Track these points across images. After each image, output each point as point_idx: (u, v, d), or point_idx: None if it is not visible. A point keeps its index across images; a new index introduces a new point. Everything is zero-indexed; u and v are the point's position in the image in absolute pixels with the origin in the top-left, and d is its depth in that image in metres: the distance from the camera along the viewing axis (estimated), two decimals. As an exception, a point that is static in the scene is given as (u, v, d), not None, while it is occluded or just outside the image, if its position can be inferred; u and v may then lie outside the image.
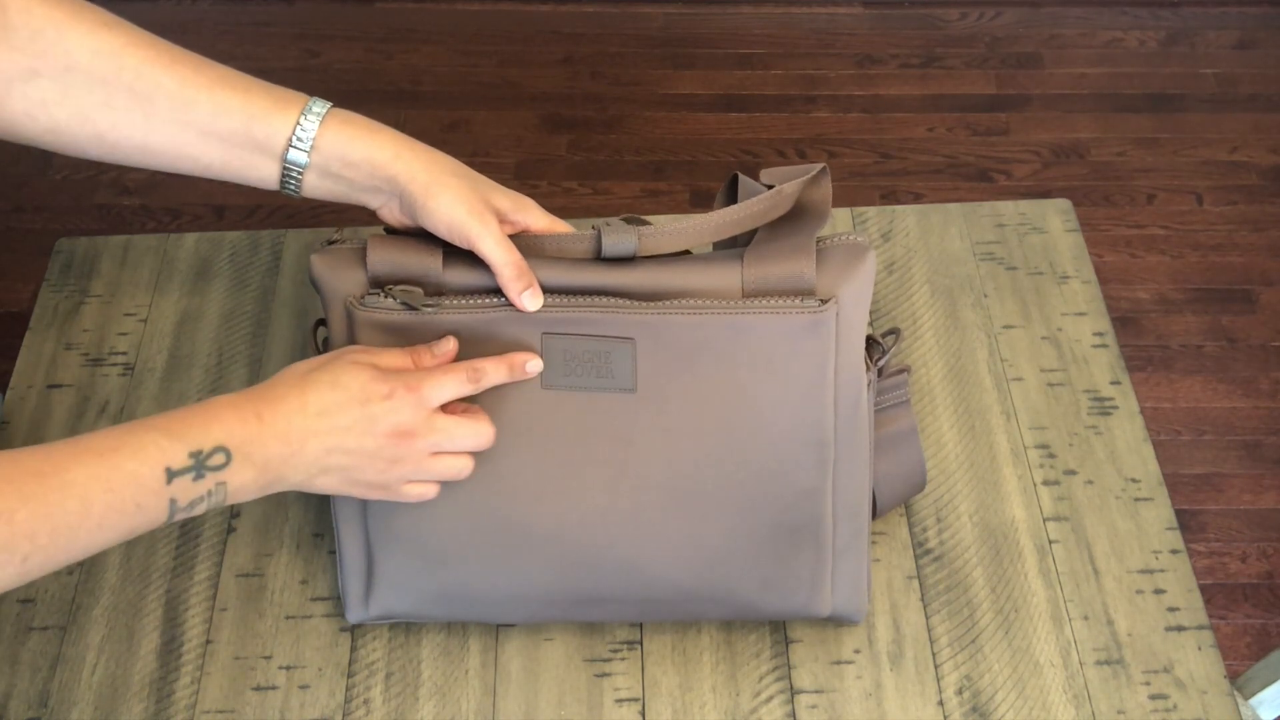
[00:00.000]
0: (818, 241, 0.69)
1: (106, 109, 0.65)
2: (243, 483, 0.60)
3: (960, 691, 0.73)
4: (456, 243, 0.67)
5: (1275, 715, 0.96)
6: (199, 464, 0.58)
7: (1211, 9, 2.18)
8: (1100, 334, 0.89)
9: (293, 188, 0.68)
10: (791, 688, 0.74)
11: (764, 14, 2.18)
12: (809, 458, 0.68)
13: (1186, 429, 1.66)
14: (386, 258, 0.68)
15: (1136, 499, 0.81)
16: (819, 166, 0.71)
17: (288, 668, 0.75)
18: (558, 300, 0.67)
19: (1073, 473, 0.82)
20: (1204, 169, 1.95)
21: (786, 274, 0.67)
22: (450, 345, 0.67)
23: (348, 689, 0.74)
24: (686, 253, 0.71)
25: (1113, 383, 0.87)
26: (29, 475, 0.54)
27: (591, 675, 0.75)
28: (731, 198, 0.72)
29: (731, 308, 0.66)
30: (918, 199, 1.90)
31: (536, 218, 0.70)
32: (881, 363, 0.71)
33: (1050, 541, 0.79)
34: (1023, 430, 0.84)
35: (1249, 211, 1.89)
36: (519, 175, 1.93)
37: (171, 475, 0.57)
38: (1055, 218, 0.96)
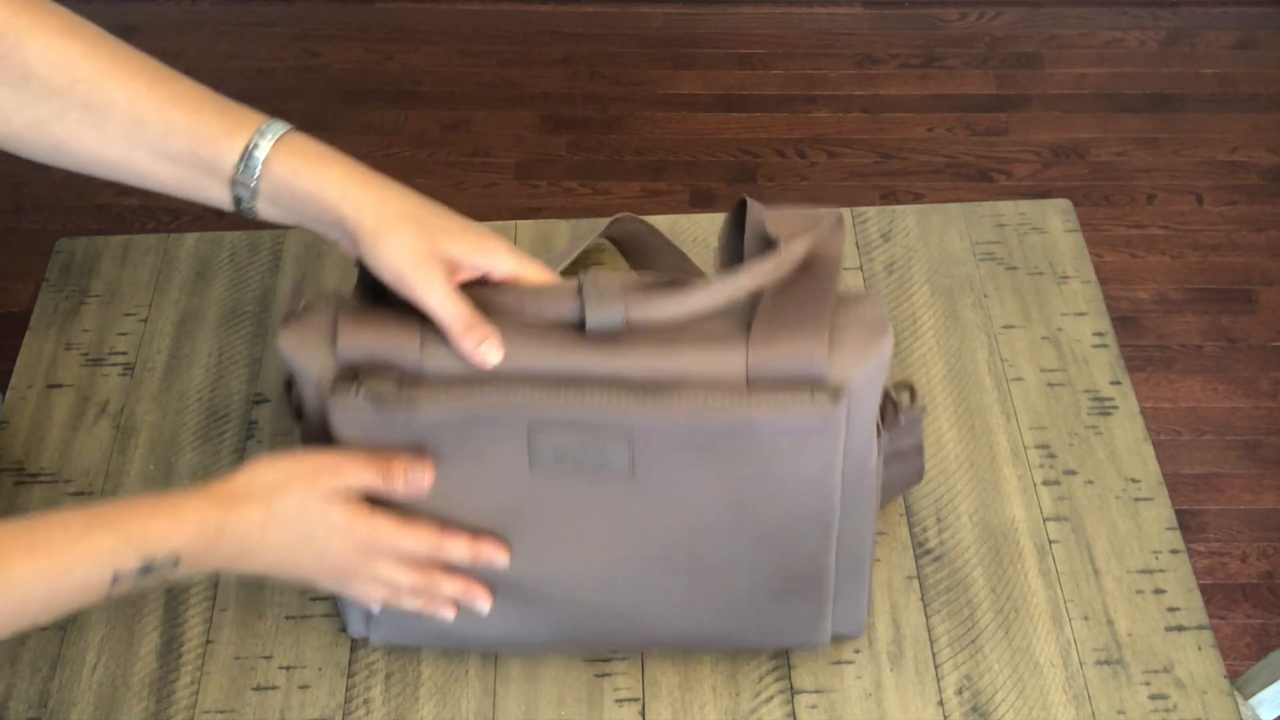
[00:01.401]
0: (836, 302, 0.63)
1: (61, 121, 0.62)
2: (186, 575, 0.61)
3: (960, 691, 0.73)
4: (403, 295, 0.61)
5: (1275, 715, 0.96)
6: (149, 567, 0.58)
7: (1211, 9, 2.18)
8: (1100, 334, 0.89)
9: (246, 212, 0.65)
10: (791, 688, 0.74)
11: (764, 14, 2.18)
12: (813, 528, 0.66)
13: (1186, 429, 1.66)
14: (358, 341, 0.61)
15: (1136, 499, 0.81)
16: (833, 216, 0.65)
17: (288, 668, 0.75)
18: (544, 393, 0.60)
19: (1073, 473, 0.82)
20: (1204, 169, 1.94)
21: (796, 356, 0.60)
22: (425, 480, 0.63)
23: (348, 689, 0.74)
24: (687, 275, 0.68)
25: (1113, 383, 0.87)
26: None
27: (591, 675, 0.75)
28: (737, 224, 0.68)
29: (735, 405, 0.60)
30: (918, 199, 1.90)
31: (502, 260, 0.63)
32: (897, 423, 0.67)
33: (1050, 541, 0.79)
34: (1023, 430, 0.84)
35: (1249, 211, 1.89)
36: (519, 175, 1.93)
37: (118, 579, 0.57)
38: (1055, 218, 0.96)
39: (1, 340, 1.72)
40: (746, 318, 0.62)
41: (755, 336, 0.61)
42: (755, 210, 0.66)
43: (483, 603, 0.67)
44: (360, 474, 0.62)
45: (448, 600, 0.68)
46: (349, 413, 0.61)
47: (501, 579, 0.68)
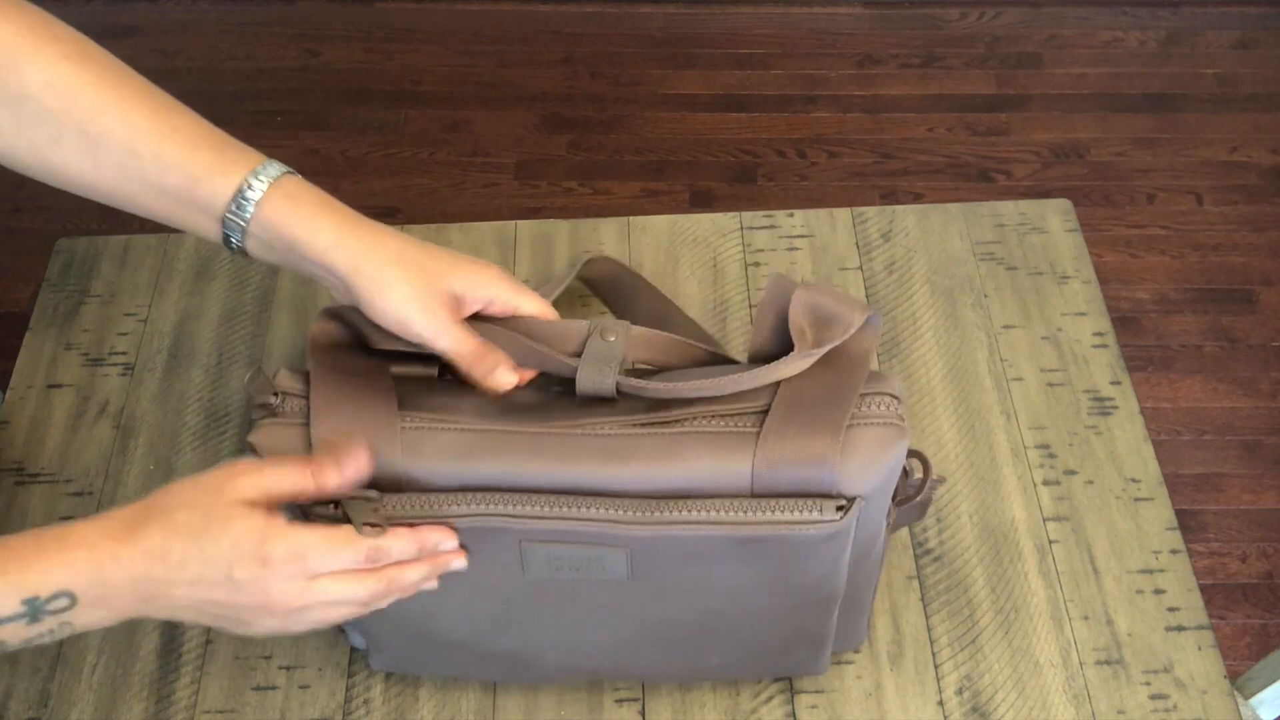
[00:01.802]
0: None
1: (56, 146, 0.61)
2: (93, 620, 0.54)
3: (960, 691, 0.73)
4: (409, 339, 0.61)
5: (1275, 715, 0.96)
6: (35, 610, 0.52)
7: (1211, 9, 2.18)
8: (1100, 334, 0.89)
9: (237, 251, 0.63)
10: (791, 687, 0.74)
11: (764, 14, 2.18)
12: (817, 607, 0.64)
13: (1186, 429, 1.66)
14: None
15: (1136, 499, 0.81)
16: (864, 313, 0.61)
17: (288, 668, 0.75)
18: (537, 507, 0.57)
19: (1073, 473, 0.82)
20: (1204, 169, 1.94)
21: (805, 465, 0.57)
22: (362, 464, 0.57)
23: (348, 689, 0.74)
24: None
25: (1113, 383, 0.87)
26: None
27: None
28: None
29: (738, 519, 0.57)
30: (918, 199, 1.90)
31: (502, 291, 0.63)
32: (910, 500, 0.64)
33: (1050, 541, 0.79)
34: (1023, 430, 0.84)
35: (1249, 211, 1.89)
36: (519, 175, 1.93)
37: None
38: (1055, 218, 0.96)
39: (1, 340, 1.72)
40: (760, 411, 0.58)
41: (765, 440, 0.57)
42: (783, 287, 0.62)
43: (458, 561, 0.60)
44: (281, 477, 0.55)
45: (420, 583, 0.60)
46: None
47: (499, 644, 0.67)
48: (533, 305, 0.65)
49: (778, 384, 0.59)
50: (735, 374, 0.59)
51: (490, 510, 0.58)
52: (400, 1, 2.21)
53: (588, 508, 0.57)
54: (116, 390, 0.88)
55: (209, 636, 0.76)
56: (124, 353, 0.90)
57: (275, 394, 0.61)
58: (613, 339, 0.62)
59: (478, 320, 0.64)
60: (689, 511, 0.57)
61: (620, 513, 0.57)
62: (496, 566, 0.61)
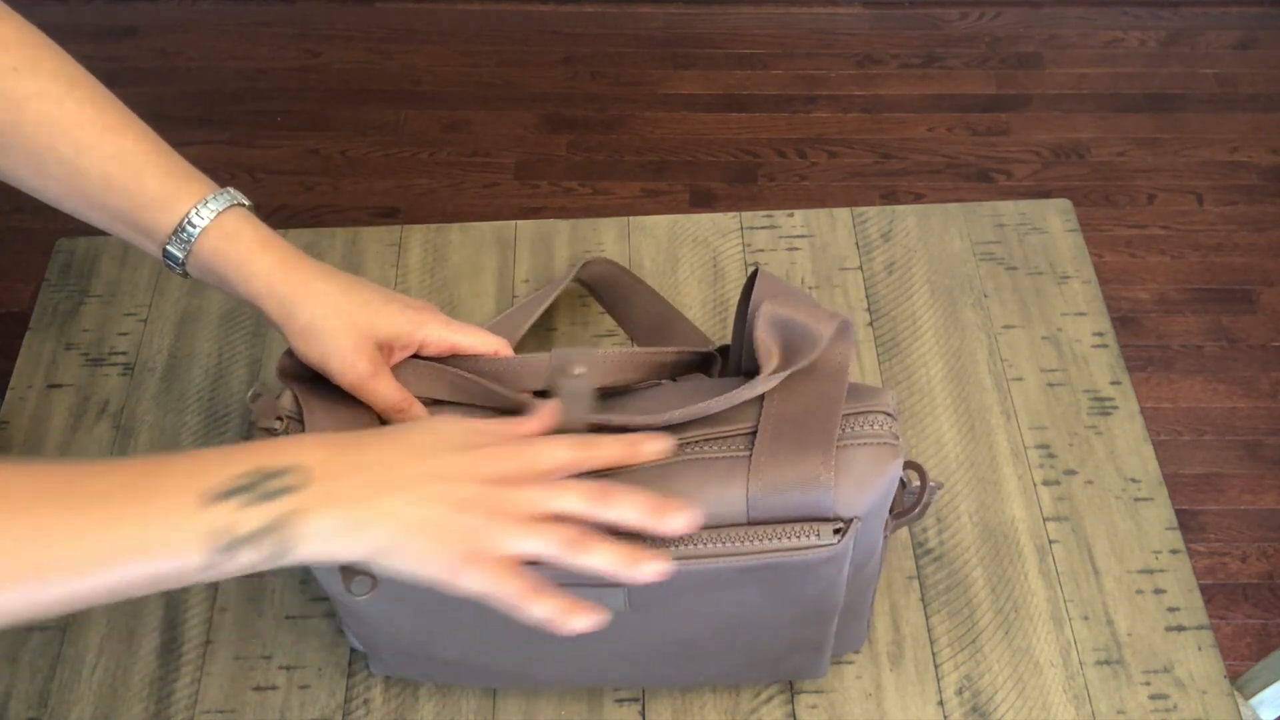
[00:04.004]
0: (843, 415, 0.58)
1: (5, 155, 0.60)
2: (323, 529, 0.47)
3: (960, 691, 0.73)
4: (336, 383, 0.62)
5: (1275, 715, 0.96)
6: (255, 484, 0.46)
7: (1211, 9, 2.18)
8: (1100, 334, 0.89)
9: (180, 275, 0.63)
10: (791, 688, 0.74)
11: (764, 14, 2.18)
12: (816, 621, 0.65)
13: (1186, 429, 1.66)
14: None
15: (1136, 499, 0.81)
16: (836, 324, 0.59)
17: (288, 668, 0.75)
18: None
19: (1073, 473, 0.82)
20: (1204, 169, 1.95)
21: (799, 483, 0.56)
22: (553, 412, 0.58)
23: (348, 689, 0.74)
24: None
25: (1113, 383, 0.87)
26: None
27: (591, 675, 0.75)
28: (749, 295, 0.63)
29: (736, 550, 0.56)
30: (918, 199, 1.90)
31: (433, 332, 0.64)
32: (908, 512, 0.63)
33: (1050, 541, 0.79)
34: (1023, 430, 0.84)
35: (1249, 211, 1.89)
36: (519, 175, 1.93)
37: (214, 498, 0.45)
38: (1055, 218, 0.96)
39: (1, 340, 1.72)
40: (749, 433, 0.57)
41: (756, 464, 0.56)
42: (761, 288, 0.61)
43: (653, 446, 0.56)
44: (484, 423, 0.56)
45: (612, 563, 0.52)
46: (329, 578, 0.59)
47: (495, 661, 0.67)
48: (473, 340, 0.65)
49: (761, 402, 0.58)
50: (707, 399, 0.58)
51: None
52: (400, 1, 2.21)
53: None
54: (116, 390, 0.88)
55: (209, 636, 0.76)
56: (124, 353, 0.90)
57: (280, 418, 0.61)
58: (579, 372, 0.61)
59: (429, 362, 0.63)
60: (687, 545, 0.56)
61: None
62: (491, 609, 0.60)
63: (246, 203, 0.63)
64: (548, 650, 0.66)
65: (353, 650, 0.75)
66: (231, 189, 0.63)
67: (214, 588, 0.78)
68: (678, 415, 0.58)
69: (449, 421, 0.55)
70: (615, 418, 0.58)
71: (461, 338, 0.65)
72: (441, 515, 0.50)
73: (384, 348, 0.63)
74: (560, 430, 0.58)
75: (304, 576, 0.79)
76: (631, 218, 0.96)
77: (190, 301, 0.92)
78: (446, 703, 0.73)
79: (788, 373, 0.58)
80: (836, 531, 0.56)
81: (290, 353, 0.64)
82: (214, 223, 0.61)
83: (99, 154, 0.60)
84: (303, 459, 0.48)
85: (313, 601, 0.78)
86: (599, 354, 0.63)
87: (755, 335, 0.59)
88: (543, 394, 0.63)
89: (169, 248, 0.61)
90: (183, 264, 0.62)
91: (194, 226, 0.60)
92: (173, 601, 0.78)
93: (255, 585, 0.78)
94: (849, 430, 0.58)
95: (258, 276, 0.61)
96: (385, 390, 0.62)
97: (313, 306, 0.61)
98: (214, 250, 0.61)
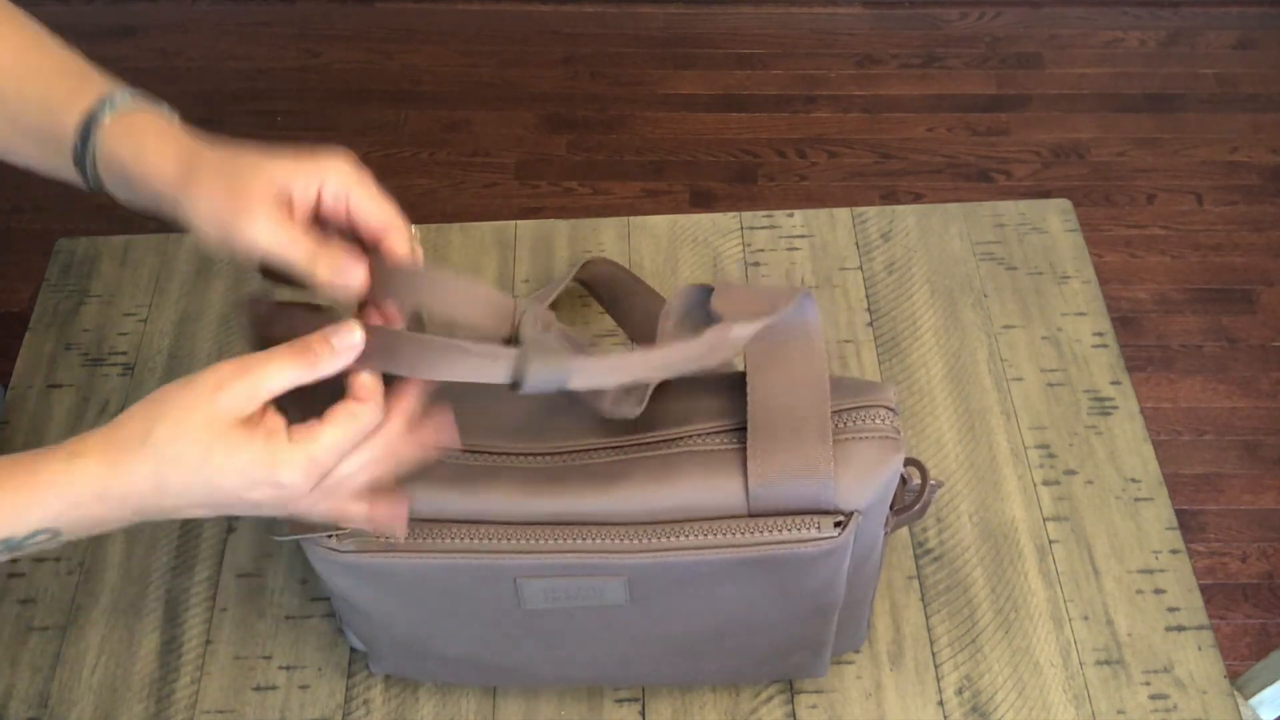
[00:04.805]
0: (843, 410, 0.57)
1: None
2: (86, 534, 0.51)
3: (960, 691, 0.73)
4: (240, 251, 0.54)
5: (1275, 715, 0.96)
6: (13, 547, 0.49)
7: (1211, 9, 2.18)
8: (1100, 334, 0.89)
9: (98, 191, 0.58)
10: (791, 688, 0.74)
11: (764, 14, 2.18)
12: (817, 618, 0.64)
13: (1186, 429, 1.66)
14: None
15: (1136, 499, 0.81)
16: (794, 294, 0.58)
17: (288, 668, 0.75)
18: (531, 540, 0.56)
19: (1073, 473, 0.82)
20: (1204, 169, 1.95)
21: (798, 472, 0.55)
22: (357, 337, 0.51)
23: (348, 689, 0.74)
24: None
25: (1113, 383, 0.87)
26: None
27: (591, 675, 0.75)
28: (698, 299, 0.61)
29: (736, 541, 0.56)
30: (918, 199, 1.90)
31: (332, 177, 0.55)
32: (908, 509, 0.63)
33: (1050, 541, 0.79)
34: (1023, 430, 0.84)
35: (1249, 211, 1.89)
36: (519, 175, 1.93)
37: None
38: (1055, 218, 0.96)
39: (1, 340, 1.72)
40: (741, 429, 0.57)
41: (754, 454, 0.56)
42: (690, 295, 0.60)
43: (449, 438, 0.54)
44: (273, 375, 0.50)
45: (429, 445, 0.53)
46: (333, 560, 0.58)
47: (494, 660, 0.67)
48: (371, 201, 0.56)
49: (746, 395, 0.57)
50: (681, 343, 0.55)
51: (482, 546, 0.57)
52: (400, 1, 2.21)
53: (583, 538, 0.56)
54: (116, 390, 0.88)
55: (209, 636, 0.76)
56: (124, 353, 0.90)
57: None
58: (550, 332, 0.56)
59: (376, 330, 0.53)
60: (687, 536, 0.56)
61: (617, 541, 0.56)
62: (491, 600, 0.60)
63: (165, 107, 0.58)
64: (549, 647, 0.66)
65: (353, 650, 0.75)
66: (151, 95, 0.58)
67: (214, 588, 0.78)
68: (655, 358, 0.54)
69: (224, 446, 0.49)
70: (589, 368, 0.54)
71: (361, 195, 0.56)
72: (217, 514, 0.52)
73: (281, 197, 0.54)
74: (534, 394, 0.53)
75: (304, 576, 0.79)
76: (631, 218, 0.96)
77: (190, 301, 0.92)
78: (446, 702, 0.73)
79: (760, 324, 0.56)
80: (837, 524, 0.56)
81: (254, 299, 0.59)
82: (120, 114, 0.56)
83: (16, 72, 0.58)
84: (51, 522, 0.49)
85: (313, 601, 0.78)
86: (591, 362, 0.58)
87: (711, 303, 0.58)
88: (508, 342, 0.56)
89: (77, 151, 0.56)
90: (93, 171, 0.57)
91: (96, 123, 0.56)
92: (173, 601, 0.78)
93: (255, 585, 0.78)
94: (850, 424, 0.57)
95: (150, 151, 0.55)
96: (291, 237, 0.53)
97: (199, 161, 0.55)
98: (114, 139, 0.56)
